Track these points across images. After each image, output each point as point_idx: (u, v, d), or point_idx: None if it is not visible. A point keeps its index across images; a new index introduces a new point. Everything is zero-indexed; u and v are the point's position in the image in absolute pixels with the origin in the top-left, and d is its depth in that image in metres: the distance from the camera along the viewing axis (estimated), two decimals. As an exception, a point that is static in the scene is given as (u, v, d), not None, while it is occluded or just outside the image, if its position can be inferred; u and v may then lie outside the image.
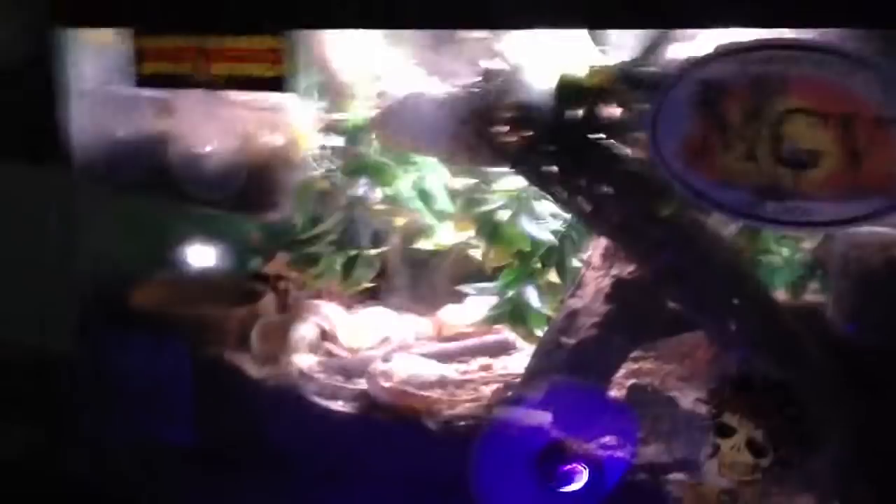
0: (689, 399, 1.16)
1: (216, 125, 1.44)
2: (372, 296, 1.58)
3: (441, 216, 1.46)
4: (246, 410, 1.39)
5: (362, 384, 1.35)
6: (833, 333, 1.09)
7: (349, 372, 1.40)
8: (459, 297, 1.48)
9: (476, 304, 1.46)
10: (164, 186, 1.46)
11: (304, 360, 1.42)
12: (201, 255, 1.60)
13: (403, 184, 1.48)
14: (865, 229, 1.02)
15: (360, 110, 1.46)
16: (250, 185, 1.43)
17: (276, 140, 1.46)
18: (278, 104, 1.48)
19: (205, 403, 1.42)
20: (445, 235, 1.47)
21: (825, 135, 0.92)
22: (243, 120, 1.43)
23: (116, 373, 1.48)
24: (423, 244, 1.49)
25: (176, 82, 1.34)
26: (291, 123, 1.48)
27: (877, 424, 1.00)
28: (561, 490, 1.16)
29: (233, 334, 1.48)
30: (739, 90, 0.95)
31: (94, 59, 1.49)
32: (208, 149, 1.44)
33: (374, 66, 1.45)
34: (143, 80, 1.37)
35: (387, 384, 1.30)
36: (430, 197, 1.47)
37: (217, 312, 1.51)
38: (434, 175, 1.47)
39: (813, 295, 1.21)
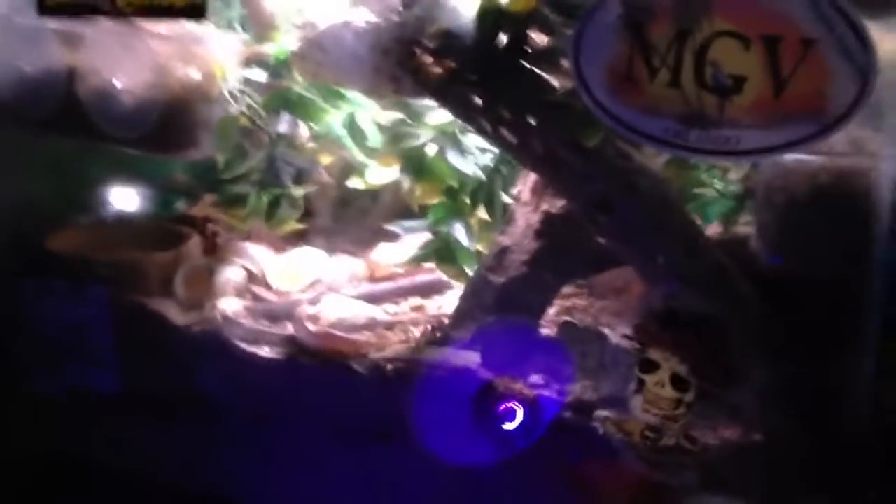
0: (619, 335, 1.14)
1: (129, 58, 1.36)
2: (302, 237, 1.53)
3: (371, 153, 1.41)
4: (171, 358, 1.35)
5: (290, 328, 1.31)
6: (757, 264, 1.07)
7: (276, 316, 1.36)
8: (392, 237, 1.44)
9: (408, 244, 1.42)
10: (77, 125, 1.39)
11: (230, 305, 1.37)
12: (122, 198, 1.54)
13: (332, 119, 1.42)
14: (791, 157, 0.99)
15: (282, 42, 1.39)
16: (167, 123, 1.37)
17: (193, 74, 1.39)
18: (196, 35, 1.41)
19: (129, 351, 1.37)
20: (376, 173, 1.42)
21: (750, 58, 0.88)
22: (158, 52, 1.36)
23: (36, 322, 1.42)
24: (354, 182, 1.44)
25: (80, 11, 1.26)
26: (210, 56, 1.40)
27: (800, 355, 0.99)
28: (498, 429, 1.14)
29: (156, 279, 1.43)
30: (664, 13, 0.91)
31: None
32: (121, 84, 1.36)
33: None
34: (47, 9, 1.28)
35: (313, 328, 1.27)
36: (360, 133, 1.41)
37: (139, 257, 1.45)
38: (364, 110, 1.41)
39: (744, 227, 1.18)
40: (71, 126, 1.40)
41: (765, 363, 1.00)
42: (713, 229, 1.22)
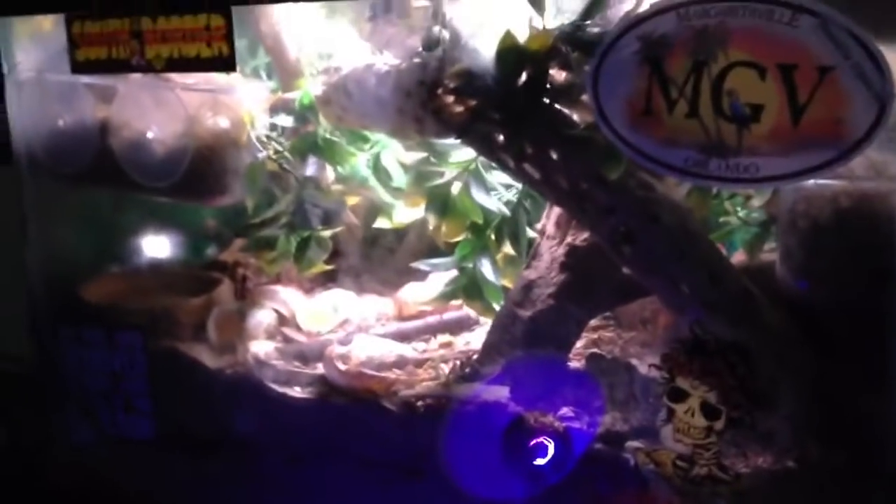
0: (647, 365, 1.14)
1: (160, 109, 1.40)
2: (331, 278, 1.55)
3: (397, 193, 1.43)
4: (205, 401, 1.37)
5: (320, 368, 1.32)
6: (783, 290, 1.07)
7: (307, 357, 1.38)
8: (421, 276, 1.46)
9: (435, 282, 1.43)
10: (109, 176, 1.42)
11: (261, 347, 1.39)
12: (153, 246, 1.57)
13: (358, 161, 1.45)
14: (812, 182, 1.00)
15: (307, 88, 1.42)
16: (198, 171, 1.40)
17: (222, 122, 1.43)
18: (224, 85, 1.45)
19: (163, 396, 1.39)
20: (402, 213, 1.44)
21: (767, 87, 0.90)
22: (188, 102, 1.39)
23: (71, 371, 1.44)
24: (381, 222, 1.46)
25: (112, 67, 1.30)
26: (238, 104, 1.44)
27: (828, 380, 0.99)
28: (529, 464, 1.15)
29: (189, 325, 1.45)
30: (680, 45, 0.93)
31: (31, 47, 1.45)
32: (152, 134, 1.40)
33: (318, 42, 1.42)
34: (79, 67, 1.33)
35: (343, 367, 1.28)
36: (385, 174, 1.44)
37: (172, 304, 1.48)
38: (389, 151, 1.44)
39: (770, 253, 1.19)
40: (104, 177, 1.44)
41: (794, 389, 0.99)
42: (738, 257, 1.22)
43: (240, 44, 1.25)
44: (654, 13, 0.94)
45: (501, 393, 1.20)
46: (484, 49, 1.12)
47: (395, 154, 1.43)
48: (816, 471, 1.02)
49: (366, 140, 1.44)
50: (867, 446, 1.00)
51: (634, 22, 0.95)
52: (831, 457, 1.01)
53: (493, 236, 1.31)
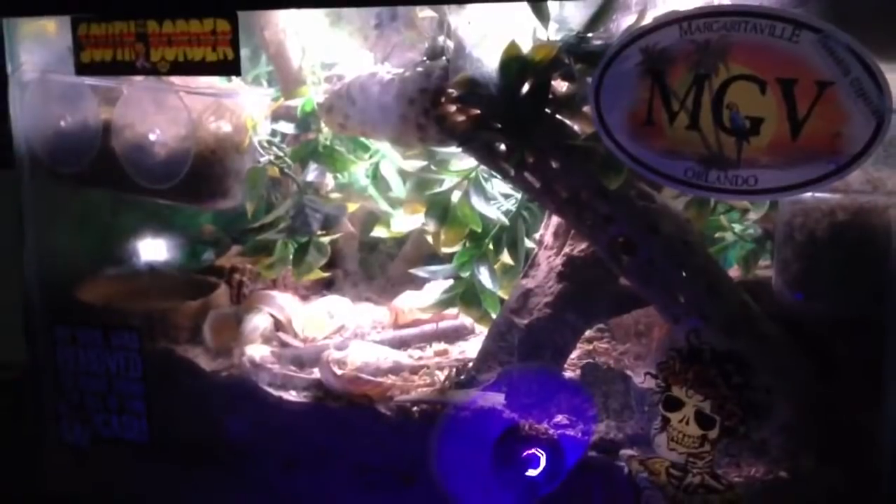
0: (641, 376, 1.15)
1: (163, 112, 1.41)
2: (328, 285, 1.56)
3: (396, 202, 1.44)
4: (200, 403, 1.37)
5: (316, 373, 1.33)
6: (779, 302, 1.08)
7: (303, 361, 1.38)
8: (417, 284, 1.47)
9: (433, 289, 1.44)
10: (110, 177, 1.43)
11: (257, 351, 1.40)
12: (152, 249, 1.57)
13: (358, 170, 1.46)
14: (810, 195, 1.01)
15: (309, 96, 1.43)
16: (199, 173, 1.40)
17: (224, 127, 1.44)
18: (227, 90, 1.46)
19: (159, 399, 1.39)
20: (401, 221, 1.45)
21: (767, 101, 0.92)
22: (191, 106, 1.40)
23: (66, 371, 1.44)
24: (379, 230, 1.47)
25: (117, 69, 1.31)
26: (240, 109, 1.45)
27: (823, 391, 1.00)
28: (524, 472, 1.15)
29: (185, 328, 1.46)
30: (681, 59, 0.95)
31: (36, 48, 1.46)
32: (154, 137, 1.41)
33: (322, 50, 1.43)
34: (83, 69, 1.33)
35: (339, 372, 1.28)
36: (384, 183, 1.45)
37: (168, 307, 1.48)
38: (388, 160, 1.45)
39: (764, 269, 1.20)
40: (105, 178, 1.44)
41: (789, 400, 1.00)
42: (734, 273, 1.24)
43: (243, 52, 1.26)
44: (657, 27, 0.95)
45: (496, 400, 1.20)
46: (488, 59, 1.14)
47: (395, 164, 1.45)
48: (809, 483, 1.02)
49: (366, 149, 1.45)
50: (862, 461, 1.01)
51: (637, 35, 0.96)
52: (825, 469, 1.02)
53: (491, 245, 1.32)
